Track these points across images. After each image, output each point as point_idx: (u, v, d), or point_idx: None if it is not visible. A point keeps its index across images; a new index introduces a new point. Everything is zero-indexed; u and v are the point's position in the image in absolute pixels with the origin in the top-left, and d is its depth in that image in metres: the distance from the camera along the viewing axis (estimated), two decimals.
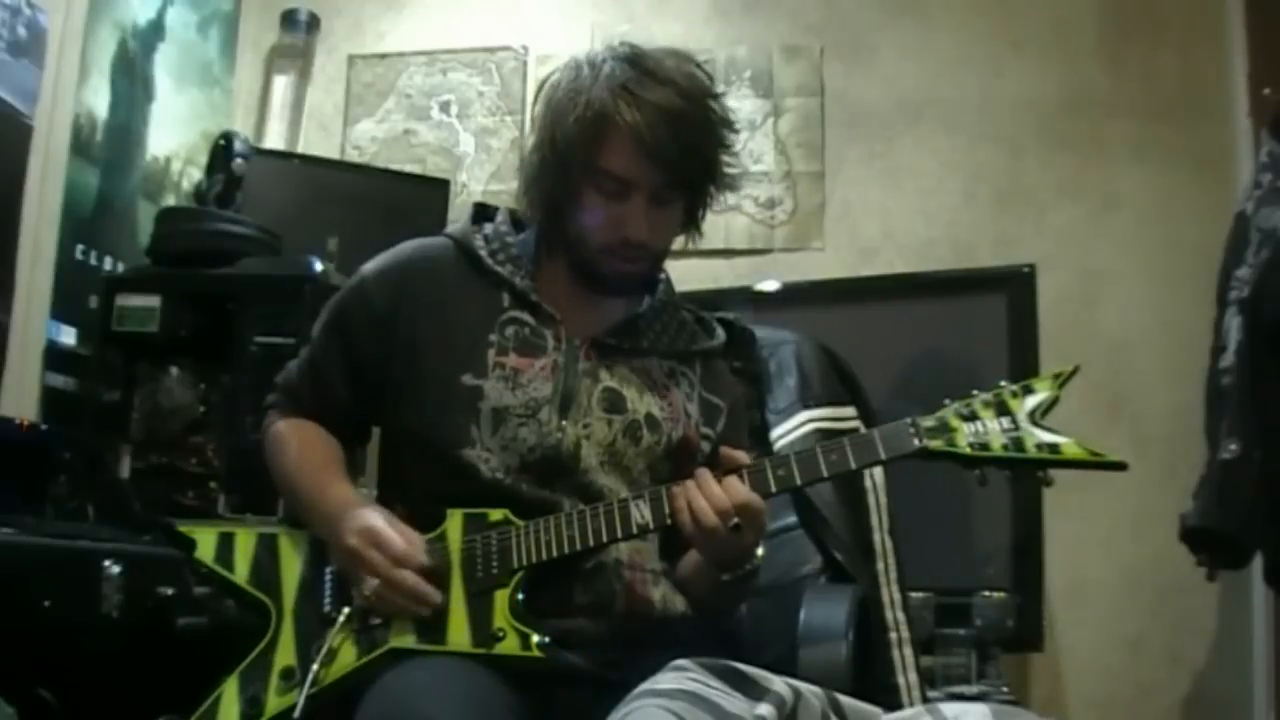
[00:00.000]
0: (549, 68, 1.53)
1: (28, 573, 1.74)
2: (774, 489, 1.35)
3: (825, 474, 1.35)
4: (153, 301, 2.56)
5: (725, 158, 1.48)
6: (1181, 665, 2.85)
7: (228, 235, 2.63)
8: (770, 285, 3.02)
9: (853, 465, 1.35)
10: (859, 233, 3.21)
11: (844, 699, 1.20)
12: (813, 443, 1.60)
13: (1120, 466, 1.28)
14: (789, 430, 2.04)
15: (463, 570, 1.37)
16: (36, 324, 2.58)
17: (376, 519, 1.38)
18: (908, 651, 2.03)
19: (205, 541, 1.46)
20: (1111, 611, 2.90)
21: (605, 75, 1.42)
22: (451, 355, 1.45)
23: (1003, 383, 1.35)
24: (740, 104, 3.22)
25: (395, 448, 1.53)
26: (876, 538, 2.05)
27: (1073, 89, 3.14)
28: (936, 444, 1.32)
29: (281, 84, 3.46)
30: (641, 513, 1.36)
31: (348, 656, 1.35)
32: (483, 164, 3.44)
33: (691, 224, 1.54)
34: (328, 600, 1.41)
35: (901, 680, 2.02)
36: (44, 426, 2.40)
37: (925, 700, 2.03)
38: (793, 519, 1.93)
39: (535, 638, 1.32)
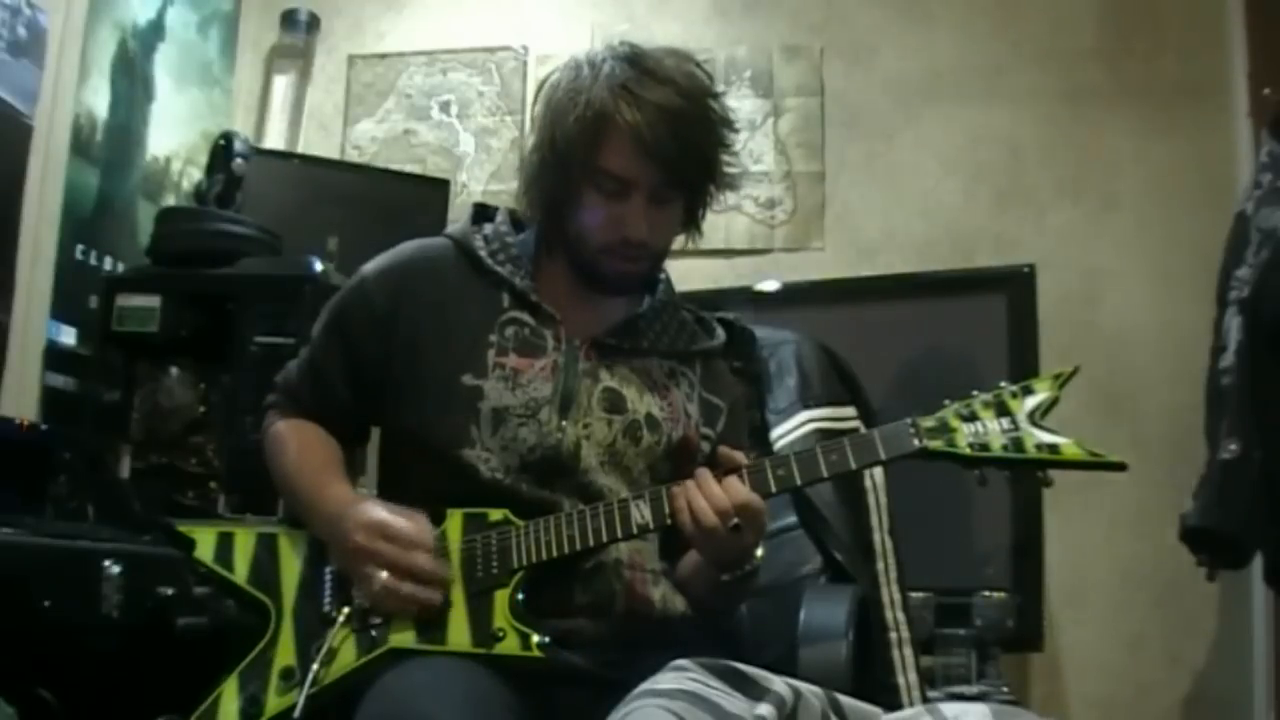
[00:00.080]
0: (549, 68, 1.53)
1: (28, 573, 1.74)
2: (774, 489, 1.35)
3: (825, 474, 1.35)
4: (153, 301, 2.56)
5: (725, 157, 1.48)
6: (1181, 665, 2.85)
7: (228, 235, 2.63)
8: (770, 285, 3.02)
9: (853, 465, 1.35)
10: (859, 233, 3.21)
11: (844, 699, 1.20)
12: (813, 443, 1.60)
13: (1120, 467, 1.28)
14: (789, 430, 2.04)
15: (463, 570, 1.37)
16: (36, 324, 2.58)
17: (379, 510, 1.38)
18: (908, 651, 2.03)
19: (205, 541, 1.46)
20: (1111, 611, 2.90)
21: (605, 75, 1.42)
22: (451, 355, 1.45)
23: (1002, 383, 1.35)
24: (740, 104, 3.22)
25: (395, 448, 1.53)
26: (876, 538, 2.05)
27: (1073, 89, 3.14)
28: (936, 444, 1.33)
29: (281, 84, 3.46)
30: (641, 513, 1.36)
31: (348, 656, 1.35)
32: (483, 164, 3.44)
33: (691, 223, 1.54)
34: (328, 600, 1.41)
35: (901, 680, 2.02)
36: (44, 426, 2.39)
37: (925, 700, 2.03)
38: (793, 519, 1.93)
39: (535, 638, 1.32)
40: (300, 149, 3.42)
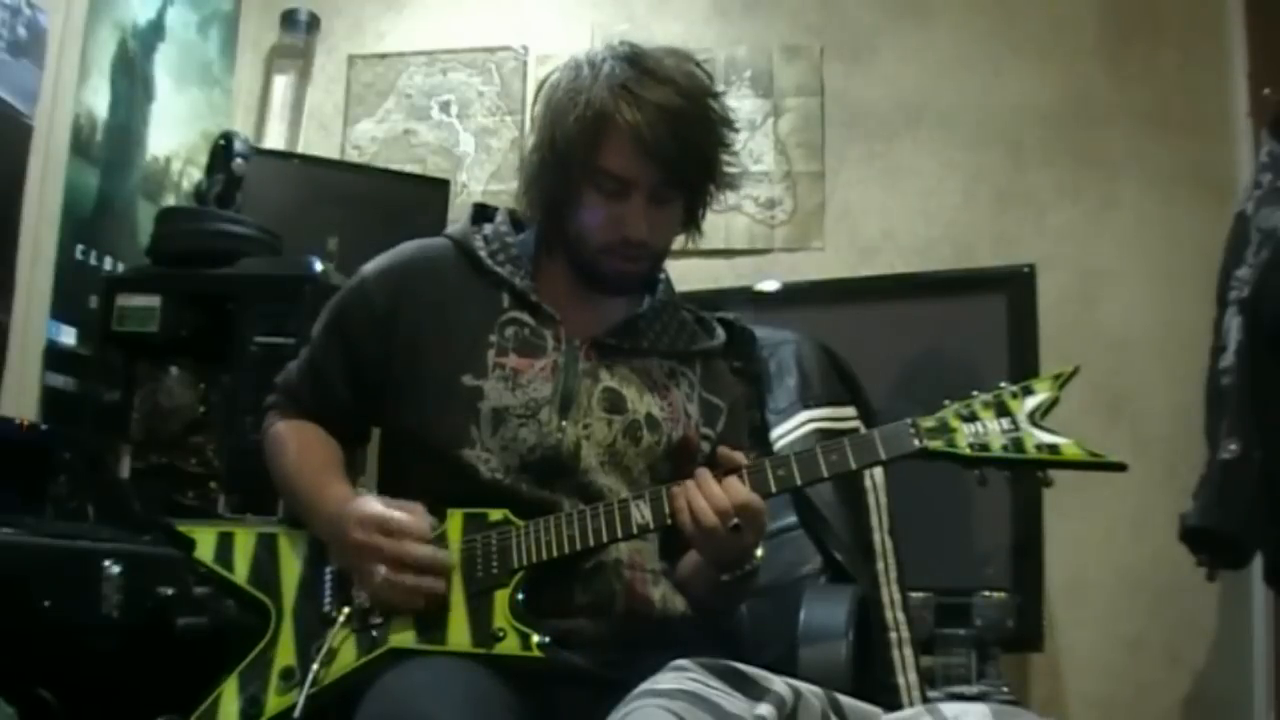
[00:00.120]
0: (549, 68, 1.53)
1: (28, 573, 1.74)
2: (774, 489, 1.35)
3: (825, 474, 1.35)
4: (153, 301, 2.56)
5: (725, 156, 1.48)
6: (1181, 665, 2.85)
7: (228, 235, 2.63)
8: (770, 285, 3.02)
9: (853, 465, 1.35)
10: (859, 233, 3.21)
11: (844, 699, 1.20)
12: (813, 443, 1.60)
13: (1120, 467, 1.28)
14: (789, 430, 2.04)
15: (463, 570, 1.37)
16: (36, 324, 2.58)
17: (375, 505, 1.38)
18: (908, 651, 2.03)
19: (205, 541, 1.46)
20: (1111, 611, 2.90)
21: (605, 74, 1.42)
22: (451, 356, 1.45)
23: (1003, 384, 1.35)
24: (740, 104, 3.22)
25: (395, 448, 1.53)
26: (876, 538, 2.05)
27: (1072, 89, 3.14)
28: (936, 444, 1.33)
29: (281, 84, 3.46)
30: (641, 513, 1.36)
31: (348, 656, 1.35)
32: (483, 164, 3.44)
33: (691, 223, 1.54)
34: (328, 600, 1.41)
35: (901, 680, 2.02)
36: (44, 426, 2.39)
37: (925, 700, 2.03)
38: (793, 519, 1.93)
39: (535, 638, 1.32)
40: (300, 149, 3.41)
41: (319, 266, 2.49)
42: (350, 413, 1.55)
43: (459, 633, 1.34)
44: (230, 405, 2.48)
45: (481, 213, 1.61)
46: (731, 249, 3.22)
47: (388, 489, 1.51)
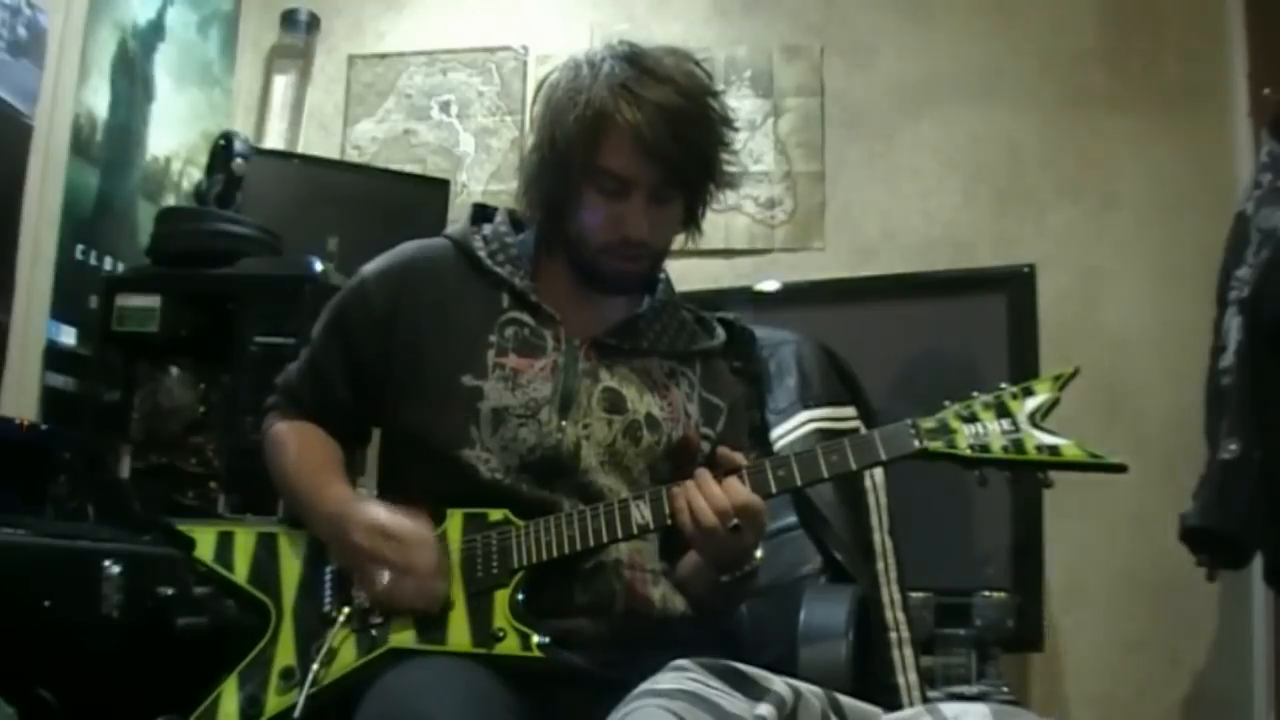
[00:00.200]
0: (549, 68, 1.53)
1: (28, 573, 1.74)
2: (774, 489, 1.35)
3: (825, 474, 1.35)
4: (153, 301, 2.56)
5: (725, 156, 1.48)
6: (1181, 665, 2.85)
7: (228, 235, 2.63)
8: (770, 285, 3.02)
9: (853, 466, 1.35)
10: (859, 233, 3.21)
11: (844, 699, 1.20)
12: (813, 443, 1.60)
13: (1120, 469, 1.28)
14: (789, 430, 2.04)
15: (463, 570, 1.37)
16: (36, 324, 2.58)
17: (379, 511, 1.39)
18: (908, 651, 2.03)
19: (205, 541, 1.46)
20: (1111, 611, 2.90)
21: (605, 74, 1.42)
22: (451, 356, 1.45)
23: (1003, 384, 1.35)
24: (740, 104, 3.22)
25: (395, 448, 1.53)
26: (876, 538, 2.05)
27: (1072, 89, 3.14)
28: (936, 445, 1.33)
29: (281, 84, 3.46)
30: (641, 513, 1.36)
31: (348, 656, 1.35)
32: (483, 164, 3.44)
33: (691, 223, 1.54)
34: (328, 600, 1.41)
35: (901, 680, 2.02)
36: (44, 426, 2.39)
37: (925, 700, 2.03)
38: (793, 519, 1.93)
39: (535, 638, 1.32)
40: (300, 149, 3.41)
41: (319, 266, 2.49)
42: (350, 413, 1.55)
43: (459, 633, 1.34)
44: (230, 405, 2.48)
45: (481, 213, 1.61)
46: (731, 249, 3.22)
47: (387, 489, 1.52)
